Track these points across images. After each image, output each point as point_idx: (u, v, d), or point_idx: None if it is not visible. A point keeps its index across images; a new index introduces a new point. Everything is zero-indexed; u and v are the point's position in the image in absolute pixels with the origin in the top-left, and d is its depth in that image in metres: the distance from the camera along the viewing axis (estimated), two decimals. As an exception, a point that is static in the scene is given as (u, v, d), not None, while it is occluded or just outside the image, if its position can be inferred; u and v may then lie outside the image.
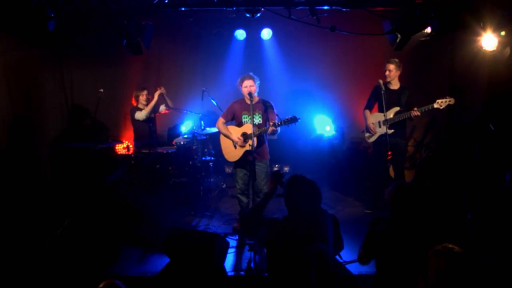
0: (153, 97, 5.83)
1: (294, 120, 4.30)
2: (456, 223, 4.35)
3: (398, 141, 5.09)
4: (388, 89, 5.03)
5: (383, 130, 5.06)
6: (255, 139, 4.36)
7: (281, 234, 2.66)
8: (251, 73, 4.69)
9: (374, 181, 5.44)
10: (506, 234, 3.54)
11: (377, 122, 5.21)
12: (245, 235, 4.34)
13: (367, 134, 5.38)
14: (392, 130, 5.00)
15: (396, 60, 5.07)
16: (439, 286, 2.12)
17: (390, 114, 5.04)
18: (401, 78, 5.22)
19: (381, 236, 2.70)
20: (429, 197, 5.09)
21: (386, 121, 4.91)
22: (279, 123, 4.38)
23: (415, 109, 4.87)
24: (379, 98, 5.06)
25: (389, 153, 4.92)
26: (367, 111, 5.36)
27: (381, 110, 5.09)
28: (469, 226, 4.20)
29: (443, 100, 4.73)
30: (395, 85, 5.14)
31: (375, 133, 5.23)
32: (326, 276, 2.09)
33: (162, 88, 5.92)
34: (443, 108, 4.77)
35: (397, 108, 5.04)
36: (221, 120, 4.84)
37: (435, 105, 4.76)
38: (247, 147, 4.59)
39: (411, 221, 2.64)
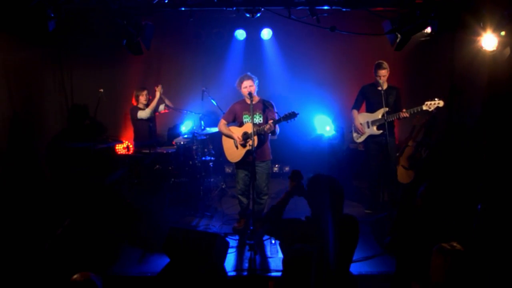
0: (154, 96, 5.85)
1: (293, 115, 4.28)
2: (462, 221, 4.35)
3: (387, 139, 5.07)
4: (376, 90, 5.03)
5: (371, 130, 5.07)
6: (255, 138, 4.36)
7: (301, 235, 2.61)
8: (249, 73, 4.69)
9: (370, 181, 5.44)
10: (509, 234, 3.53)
11: (365, 122, 5.20)
12: (267, 234, 4.29)
13: (355, 134, 5.37)
14: (381, 131, 5.00)
15: (384, 63, 5.05)
16: (439, 282, 2.13)
17: (378, 115, 5.03)
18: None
19: (411, 231, 2.74)
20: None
21: (385, 121, 4.89)
22: (278, 119, 4.38)
23: (404, 110, 4.86)
24: (367, 98, 5.03)
25: None
26: (355, 111, 5.34)
27: (369, 110, 5.05)
28: (474, 225, 4.19)
29: (432, 102, 4.73)
30: (383, 85, 5.12)
31: (364, 133, 5.23)
32: (314, 275, 2.08)
33: (160, 87, 5.88)
34: (432, 110, 4.77)
35: (386, 109, 5.01)
36: (222, 122, 4.84)
37: (424, 107, 4.76)
38: (248, 147, 4.59)
39: (440, 217, 2.69)
